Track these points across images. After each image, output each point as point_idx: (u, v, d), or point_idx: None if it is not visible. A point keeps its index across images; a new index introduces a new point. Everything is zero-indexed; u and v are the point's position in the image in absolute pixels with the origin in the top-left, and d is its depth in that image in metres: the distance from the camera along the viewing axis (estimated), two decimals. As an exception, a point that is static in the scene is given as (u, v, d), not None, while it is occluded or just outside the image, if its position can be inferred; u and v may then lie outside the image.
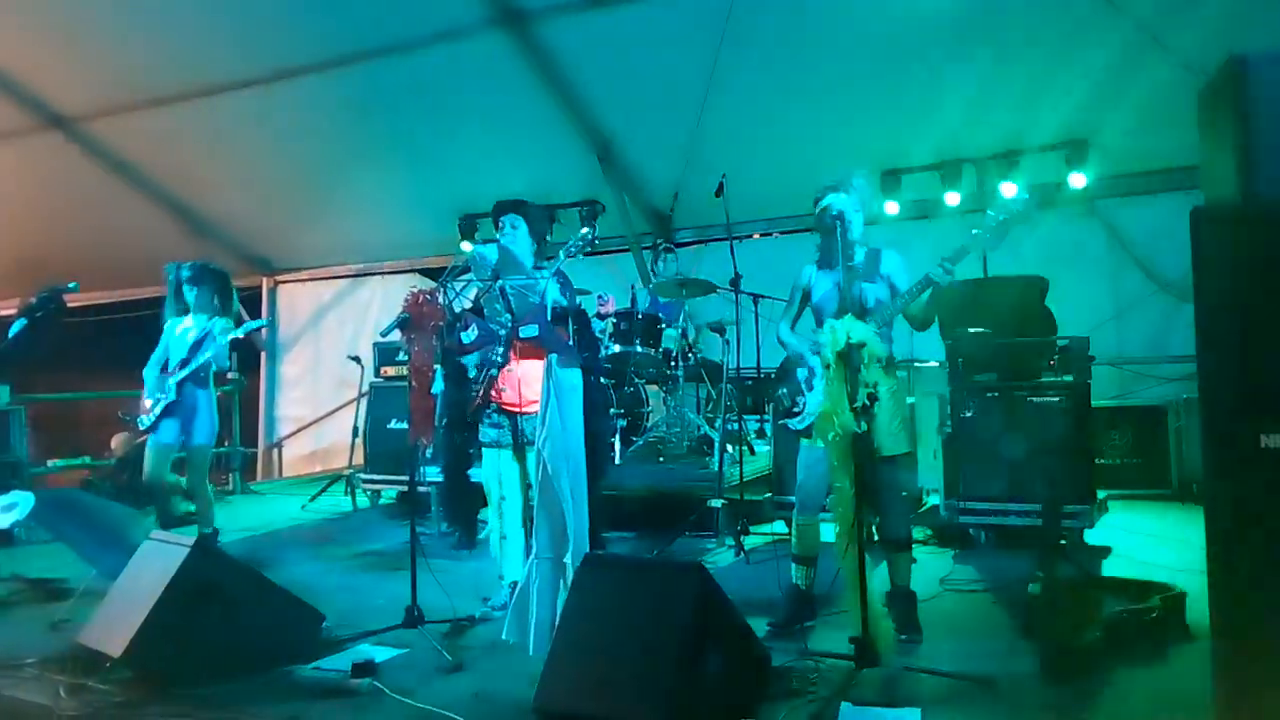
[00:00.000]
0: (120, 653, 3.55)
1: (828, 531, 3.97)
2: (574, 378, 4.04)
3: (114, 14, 6.96)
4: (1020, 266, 6.38)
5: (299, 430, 11.07)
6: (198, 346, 5.64)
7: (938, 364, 6.33)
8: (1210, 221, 2.62)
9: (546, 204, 5.70)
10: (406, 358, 4.66)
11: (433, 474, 6.40)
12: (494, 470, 4.58)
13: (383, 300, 10.49)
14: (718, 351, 7.04)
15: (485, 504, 4.71)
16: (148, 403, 5.63)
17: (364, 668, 3.58)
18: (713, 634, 3.09)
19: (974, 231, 3.74)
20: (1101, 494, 5.58)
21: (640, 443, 7.09)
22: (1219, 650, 2.55)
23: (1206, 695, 2.57)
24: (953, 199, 7.41)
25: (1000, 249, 4.01)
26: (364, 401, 8.21)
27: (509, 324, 4.41)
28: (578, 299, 4.63)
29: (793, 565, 4.24)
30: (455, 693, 3.44)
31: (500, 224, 4.64)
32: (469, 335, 4.43)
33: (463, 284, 4.82)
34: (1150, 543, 5.52)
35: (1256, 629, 2.48)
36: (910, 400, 5.63)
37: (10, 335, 5.40)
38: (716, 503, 5.94)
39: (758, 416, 7.79)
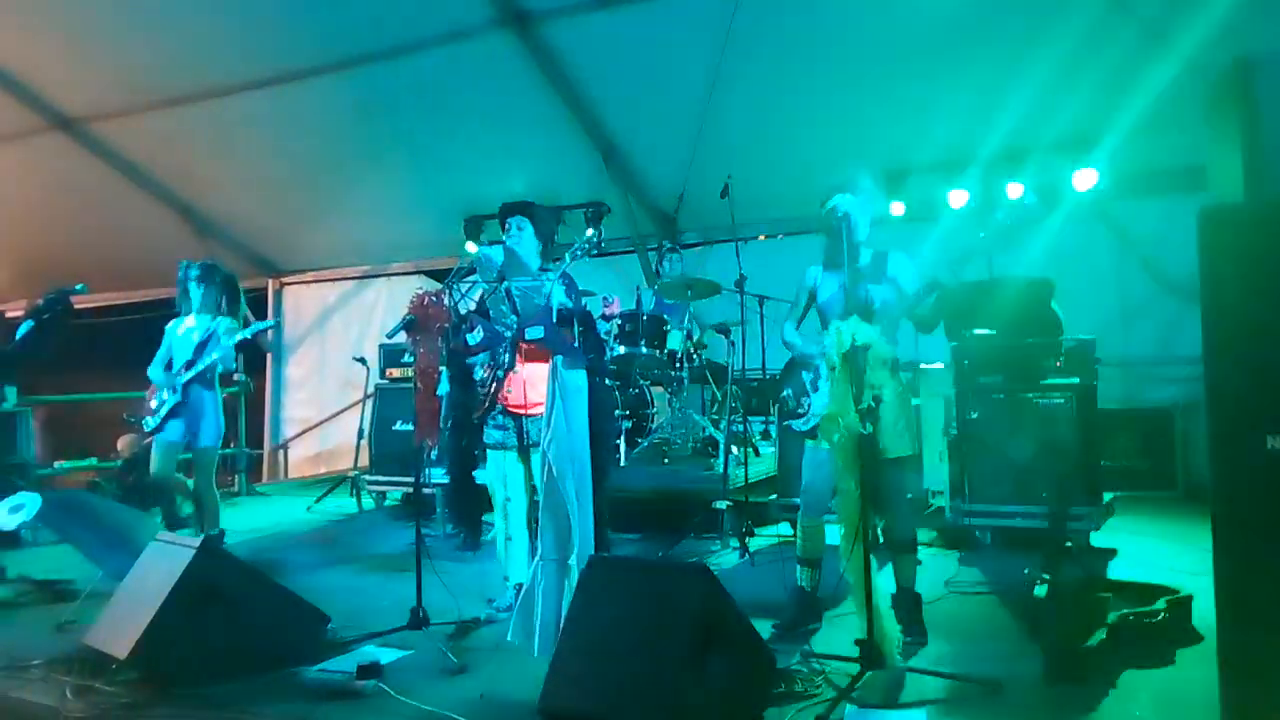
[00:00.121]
0: (126, 654, 3.56)
1: (833, 533, 3.96)
2: (579, 379, 4.04)
3: (120, 16, 6.98)
4: (1026, 267, 6.36)
5: (304, 432, 11.09)
6: (202, 347, 5.64)
7: (943, 366, 6.32)
8: (1217, 222, 2.62)
9: (551, 205, 5.71)
10: (412, 359, 4.68)
11: (438, 476, 6.40)
12: (499, 472, 4.58)
13: (388, 302, 10.50)
14: (723, 353, 7.04)
15: (490, 505, 4.72)
16: (152, 403, 5.63)
17: (369, 669, 3.58)
18: (718, 636, 3.08)
19: (981, 234, 3.73)
20: (1108, 496, 5.57)
21: (645, 444, 7.08)
22: (1225, 653, 2.54)
23: (1213, 698, 2.57)
24: (958, 199, 7.39)
25: (1006, 250, 4.01)
26: (369, 403, 8.22)
27: (514, 326, 4.41)
28: (583, 300, 4.63)
29: (798, 567, 4.24)
30: (460, 694, 3.44)
31: (506, 225, 4.64)
32: (474, 337, 4.43)
33: (468, 286, 4.83)
34: (1156, 545, 5.50)
35: (1263, 632, 2.47)
36: (916, 402, 5.61)
37: (18, 337, 5.41)
38: (721, 504, 5.94)
39: (762, 418, 7.78)
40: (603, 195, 8.40)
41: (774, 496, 6.22)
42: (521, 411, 4.48)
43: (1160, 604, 3.87)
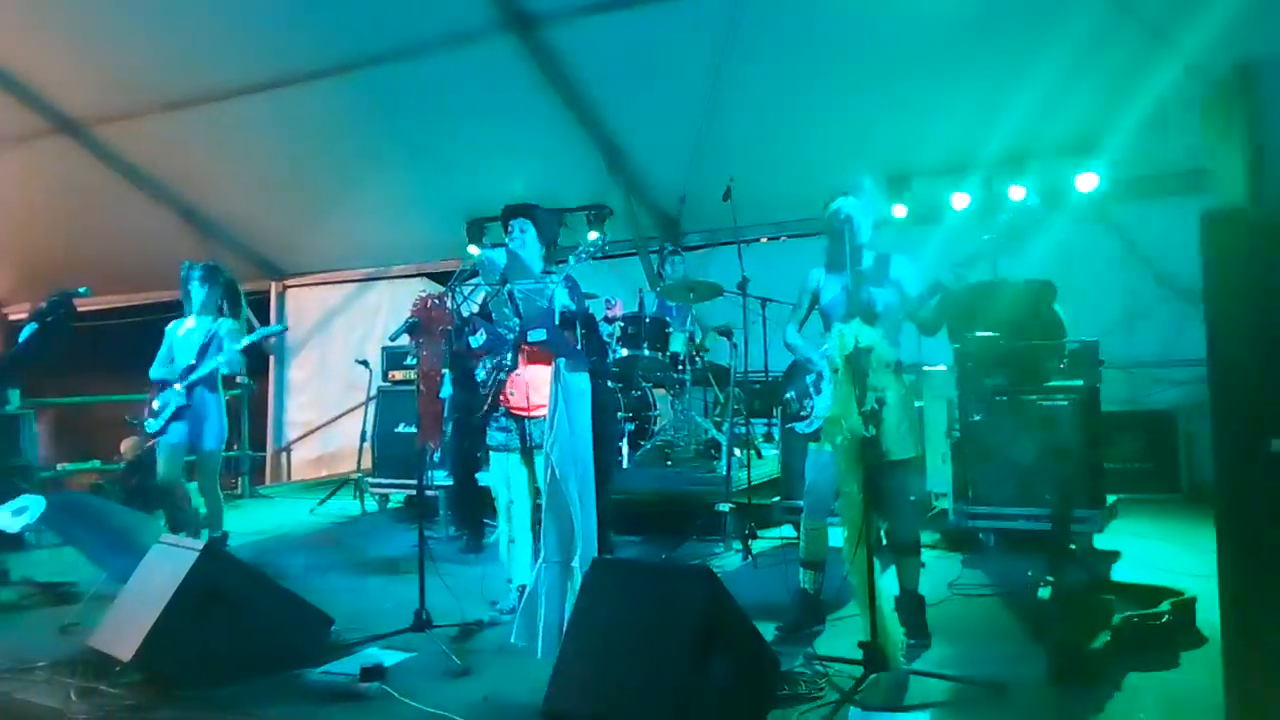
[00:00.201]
0: (130, 656, 3.57)
1: (836, 536, 3.96)
2: (582, 382, 4.05)
3: (124, 19, 6.99)
4: (1029, 270, 6.35)
5: (307, 434, 11.09)
6: (205, 349, 5.64)
7: (946, 368, 6.31)
8: (1220, 225, 2.62)
9: (554, 208, 5.73)
10: (415, 362, 4.68)
11: (441, 478, 6.41)
12: (502, 474, 4.58)
13: (391, 304, 10.50)
14: (725, 355, 7.03)
15: (491, 508, 4.73)
16: (154, 405, 5.63)
17: (372, 671, 3.59)
18: (721, 638, 3.08)
19: (985, 237, 3.73)
20: (1111, 498, 5.56)
21: (648, 446, 7.08)
22: (1230, 655, 2.54)
23: (1218, 700, 2.56)
24: (961, 202, 7.40)
25: (1009, 252, 4.00)
26: (372, 405, 8.22)
27: (517, 328, 4.42)
28: (585, 303, 4.63)
29: (801, 569, 4.24)
30: (464, 696, 3.44)
31: (509, 228, 4.64)
32: (477, 339, 4.44)
33: (471, 288, 4.84)
34: (1160, 547, 5.49)
35: (1268, 634, 2.47)
36: (919, 404, 5.61)
37: (21, 340, 5.42)
38: (724, 506, 5.93)
39: (765, 420, 7.78)
40: (605, 197, 8.41)
41: (777, 499, 6.21)
42: (524, 414, 4.48)
43: (1164, 606, 3.87)
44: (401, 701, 3.40)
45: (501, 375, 4.45)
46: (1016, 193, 6.98)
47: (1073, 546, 5.14)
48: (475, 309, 4.67)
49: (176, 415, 5.56)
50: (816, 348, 4.09)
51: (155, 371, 5.72)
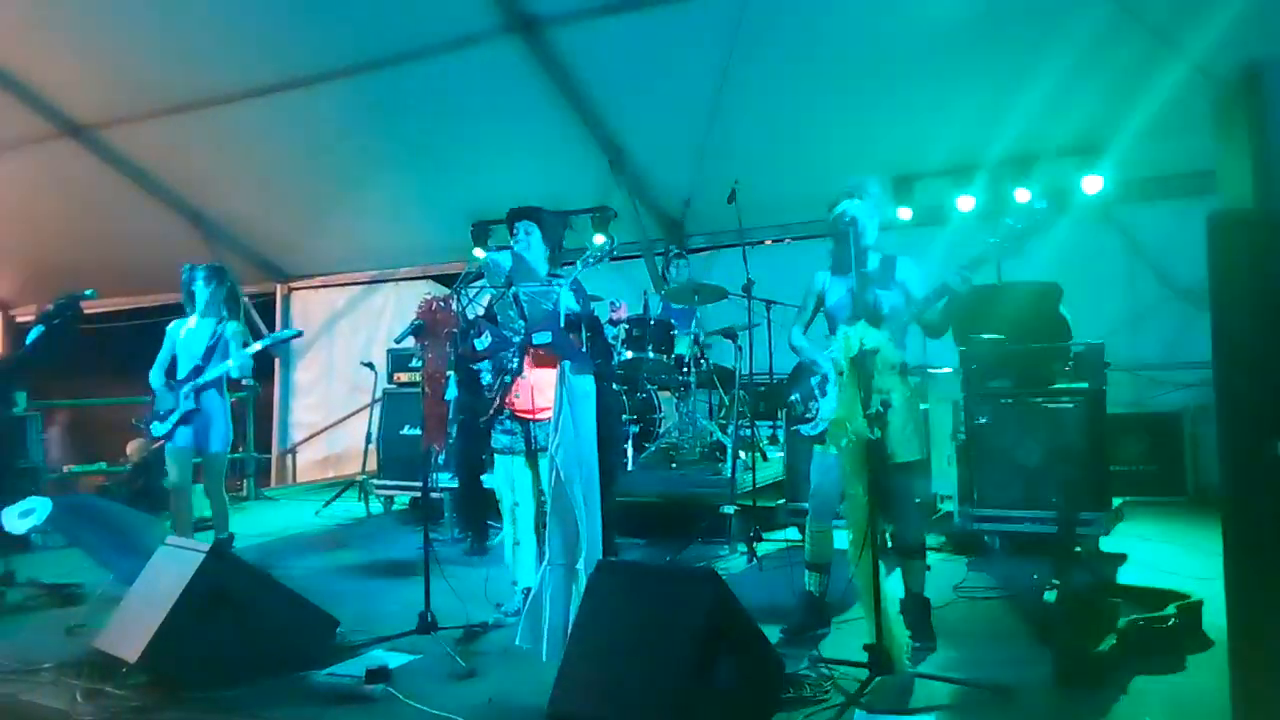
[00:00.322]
0: (136, 658, 3.57)
1: (841, 538, 3.96)
2: (587, 384, 4.05)
3: (129, 23, 7.01)
4: (1034, 272, 6.35)
5: (313, 436, 11.11)
6: (211, 351, 5.64)
7: (951, 370, 6.31)
8: (1227, 227, 2.61)
9: (559, 210, 5.73)
10: (420, 364, 4.69)
11: (445, 480, 6.42)
12: (507, 477, 4.59)
13: (396, 307, 10.52)
14: (730, 357, 7.03)
15: (495, 510, 4.73)
16: (161, 407, 5.62)
17: (378, 673, 3.59)
18: (726, 640, 3.08)
19: (991, 240, 3.72)
20: (1117, 501, 5.55)
21: (653, 449, 7.08)
22: (1236, 658, 2.53)
23: (1224, 703, 2.55)
24: (966, 204, 7.39)
25: (1014, 255, 3.99)
26: (377, 408, 8.24)
27: (522, 331, 4.42)
28: (590, 305, 4.63)
29: (806, 572, 4.24)
30: (469, 699, 3.44)
31: (514, 230, 4.65)
32: (482, 342, 4.44)
33: (476, 291, 4.84)
34: (1166, 550, 5.48)
35: (1274, 637, 2.46)
36: (924, 406, 5.60)
37: (28, 342, 5.44)
38: (729, 509, 5.93)
39: (770, 422, 7.77)
40: (610, 200, 8.42)
41: (782, 501, 6.21)
42: (529, 416, 4.48)
43: (1170, 609, 3.86)
44: (406, 704, 3.41)
45: (506, 378, 4.45)
46: (1022, 195, 6.97)
47: (1078, 549, 5.13)
48: (480, 311, 4.67)
49: (184, 419, 5.56)
50: (822, 350, 4.08)
51: (155, 373, 5.70)
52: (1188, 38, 5.60)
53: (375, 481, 7.93)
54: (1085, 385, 5.42)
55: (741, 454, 6.36)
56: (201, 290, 5.74)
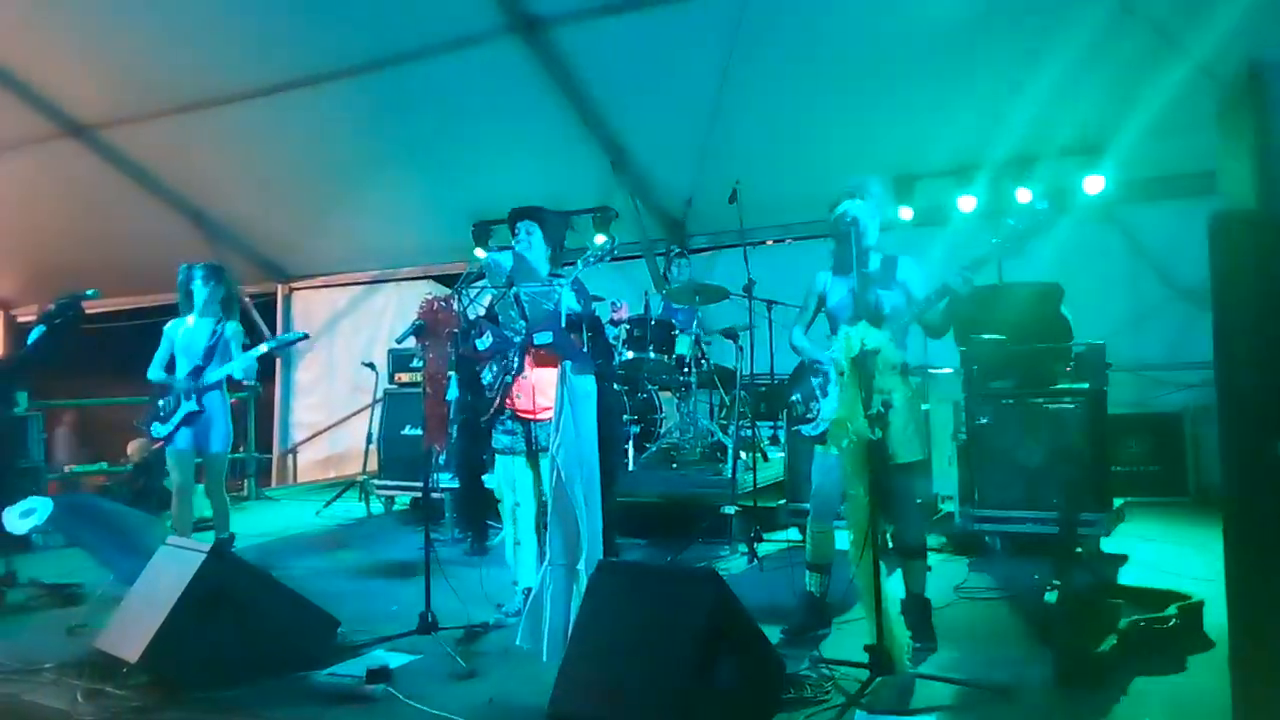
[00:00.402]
0: (137, 658, 3.57)
1: (842, 539, 3.96)
2: (588, 384, 4.05)
3: (132, 23, 7.02)
4: (1036, 272, 6.35)
5: (314, 436, 11.11)
6: (211, 351, 5.63)
7: (953, 370, 6.30)
8: (1229, 227, 2.61)
9: (560, 210, 5.73)
10: (421, 364, 4.68)
11: (446, 480, 6.42)
12: (508, 477, 4.59)
13: (397, 307, 10.52)
14: (731, 357, 7.03)
15: (495, 510, 4.73)
16: (162, 407, 5.61)
17: (378, 673, 3.59)
18: (727, 641, 3.08)
19: (993, 240, 3.71)
20: (1118, 501, 5.54)
21: (653, 449, 7.08)
22: (1237, 659, 2.53)
23: (1225, 704, 2.55)
24: (967, 204, 7.39)
25: (1016, 255, 3.99)
26: (378, 408, 8.24)
27: (523, 331, 4.42)
28: (591, 305, 4.63)
29: (807, 572, 4.23)
30: (469, 699, 3.45)
31: (516, 230, 4.64)
32: (484, 342, 4.44)
33: (477, 291, 4.84)
34: (1167, 550, 5.47)
35: (1276, 638, 2.46)
36: (925, 407, 5.61)
37: (30, 342, 5.44)
38: (730, 509, 5.93)
39: (771, 423, 7.76)
40: (611, 200, 8.42)
41: (783, 501, 6.21)
42: (530, 416, 4.48)
43: (1171, 610, 3.85)
44: (407, 704, 3.41)
45: (508, 378, 4.45)
46: (1023, 195, 6.96)
47: (1079, 550, 5.13)
48: (481, 311, 4.67)
49: (186, 420, 5.55)
50: (823, 350, 4.08)
51: (154, 373, 5.67)
52: (1190, 37, 5.59)
53: (376, 482, 7.93)
54: (1086, 386, 5.42)
55: (742, 454, 6.36)
56: (200, 289, 5.70)
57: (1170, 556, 5.29)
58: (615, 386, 6.33)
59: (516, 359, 4.43)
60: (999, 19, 5.93)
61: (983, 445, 5.58)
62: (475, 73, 7.17)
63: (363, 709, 3.44)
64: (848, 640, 3.89)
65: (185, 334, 5.68)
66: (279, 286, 11.18)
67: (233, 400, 5.91)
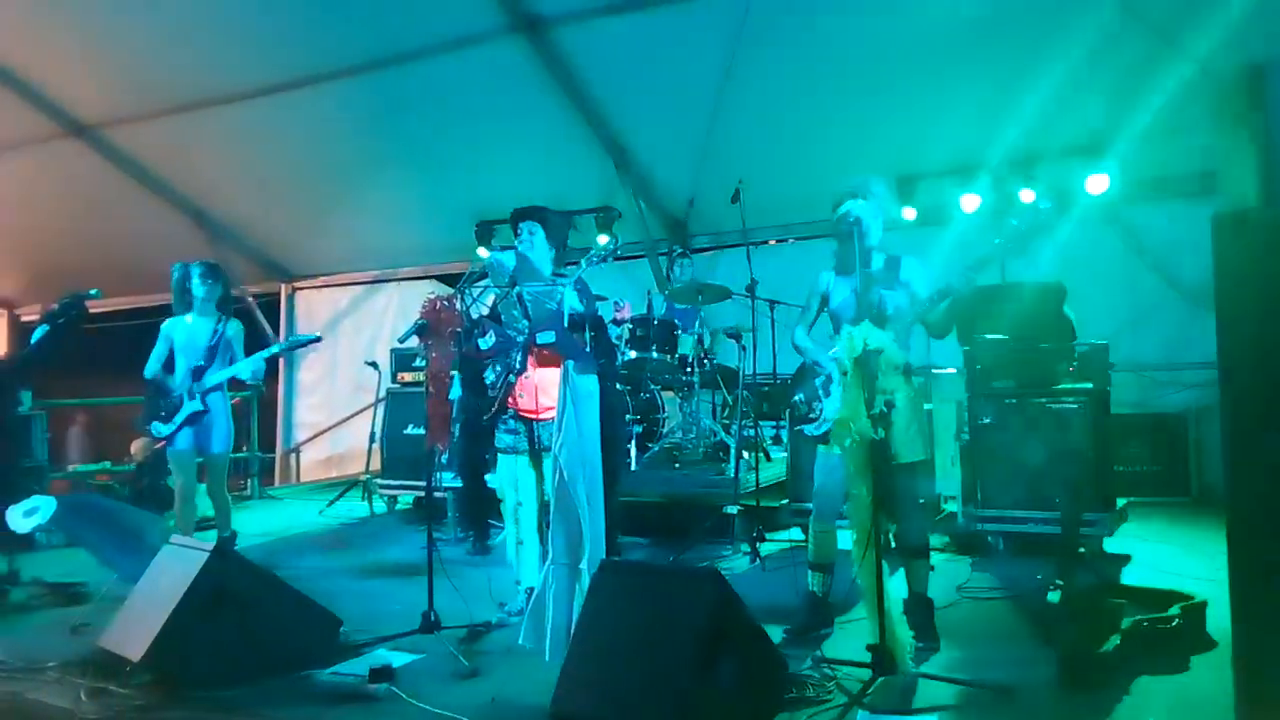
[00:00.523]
0: (140, 657, 3.58)
1: (845, 539, 3.96)
2: (590, 384, 4.05)
3: (133, 22, 7.02)
4: (1038, 272, 6.35)
5: (316, 436, 11.12)
6: (214, 351, 5.62)
7: (955, 370, 6.30)
8: (1231, 227, 2.61)
9: (563, 210, 5.74)
10: (424, 364, 4.68)
11: (449, 480, 6.42)
12: (510, 476, 4.59)
13: (400, 306, 10.53)
14: (734, 357, 7.03)
15: (497, 509, 4.73)
16: (163, 406, 5.59)
17: (381, 673, 3.59)
18: (729, 640, 3.08)
19: (996, 240, 3.71)
20: (1121, 501, 5.54)
21: (656, 449, 7.08)
22: (1240, 659, 2.53)
23: (1228, 704, 2.55)
24: (970, 204, 7.38)
25: (1018, 254, 4.00)
26: (381, 407, 8.25)
27: (526, 330, 4.42)
28: (594, 305, 4.63)
29: (809, 572, 4.23)
30: (472, 698, 3.44)
31: (518, 230, 4.65)
32: (486, 342, 4.44)
33: (480, 290, 4.85)
34: (1170, 550, 5.47)
35: (1278, 638, 2.46)
36: (928, 407, 5.61)
37: (33, 341, 5.44)
38: (732, 509, 5.93)
39: (774, 422, 7.77)
40: (613, 200, 8.42)
41: (785, 501, 6.21)
42: (533, 416, 4.49)
43: (1174, 610, 3.85)
44: (410, 703, 3.41)
45: (510, 378, 4.45)
46: (1026, 195, 6.96)
47: (1082, 550, 5.12)
48: (484, 311, 4.67)
49: (189, 420, 5.54)
50: (826, 350, 4.08)
51: (151, 371, 5.64)
52: (1191, 37, 5.59)
53: (379, 481, 7.93)
54: (1089, 385, 5.42)
55: (745, 454, 6.36)
56: (198, 288, 5.67)
57: (1173, 557, 5.29)
58: (618, 386, 6.34)
59: (519, 358, 4.44)
60: (1001, 19, 5.93)
61: (985, 445, 5.58)
62: (477, 72, 7.17)
63: (365, 708, 3.44)
64: (850, 640, 3.89)
65: (185, 333, 5.66)
66: (281, 286, 11.20)
67: (234, 400, 5.90)
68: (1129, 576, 4.99)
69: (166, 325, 5.73)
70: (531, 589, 4.23)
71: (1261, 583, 2.49)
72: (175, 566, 3.91)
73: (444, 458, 4.74)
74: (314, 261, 10.87)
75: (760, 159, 7.35)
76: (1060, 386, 5.50)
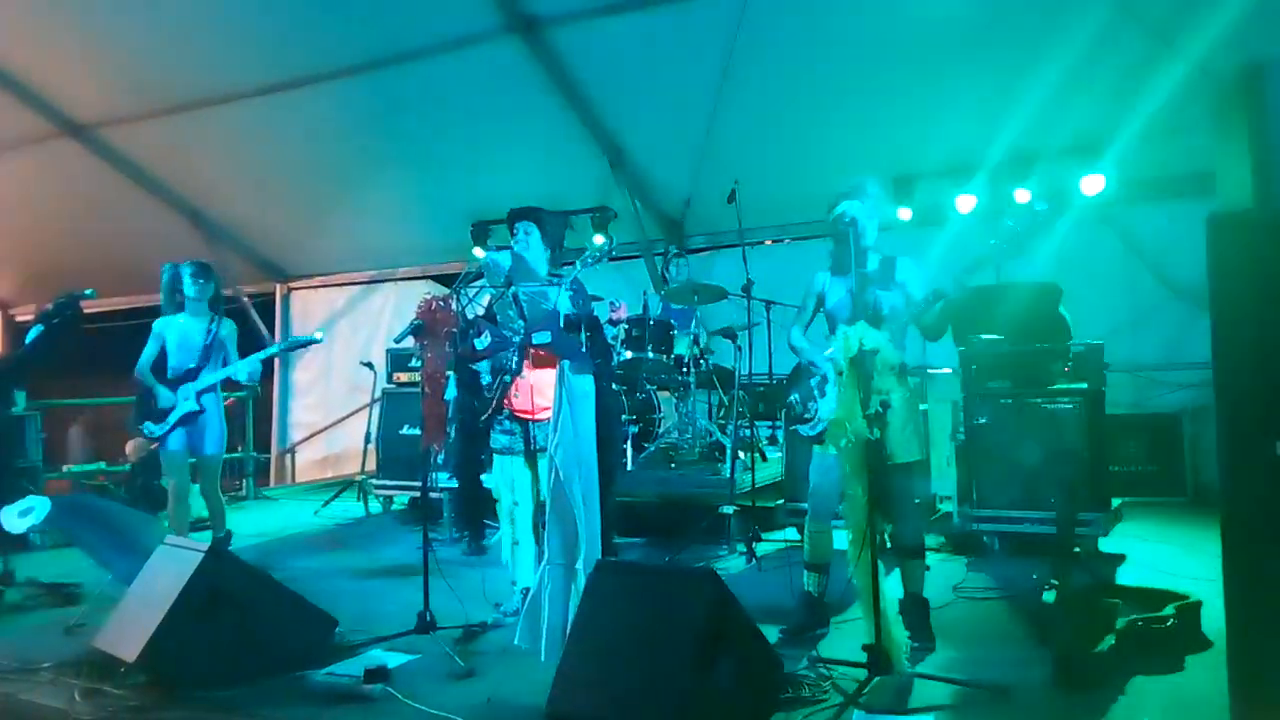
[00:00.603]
0: (135, 657, 3.57)
1: (840, 539, 3.96)
2: (586, 384, 4.05)
3: (130, 22, 7.01)
4: (1034, 272, 6.35)
5: (312, 436, 11.10)
6: (208, 351, 5.61)
7: (951, 370, 6.30)
8: (1226, 227, 2.62)
9: (559, 210, 5.73)
10: (420, 364, 4.68)
11: (445, 480, 6.41)
12: (506, 476, 4.59)
13: (396, 306, 10.52)
14: (729, 358, 7.03)
15: (493, 509, 4.73)
16: (158, 405, 5.58)
17: (376, 673, 3.59)
18: (725, 640, 3.08)
19: (992, 240, 3.72)
20: (1116, 501, 5.55)
21: (652, 449, 7.08)
22: (1235, 659, 2.53)
23: (1223, 704, 2.56)
24: (966, 204, 7.39)
25: (1014, 255, 4.00)
26: (377, 407, 8.24)
27: (522, 331, 4.42)
28: (590, 305, 4.63)
29: (805, 572, 4.24)
30: (467, 698, 3.44)
31: (514, 230, 4.65)
32: (482, 342, 4.44)
33: (476, 290, 4.84)
34: (1165, 550, 5.48)
35: (1273, 637, 2.46)
36: (923, 407, 5.61)
37: (28, 342, 5.43)
38: (728, 509, 5.93)
39: (769, 423, 7.77)
40: (609, 200, 8.42)
41: (781, 501, 6.21)
42: (529, 416, 4.49)
43: (1169, 610, 3.85)
44: (405, 703, 3.40)
45: (506, 378, 4.45)
46: (1022, 195, 6.97)
47: (1077, 550, 5.14)
48: (480, 311, 4.67)
49: (183, 420, 5.53)
50: (821, 350, 4.08)
51: (142, 370, 5.62)
52: (1187, 37, 5.59)
53: (374, 481, 7.93)
54: (1085, 386, 5.42)
55: (741, 454, 6.36)
56: (190, 287, 5.66)
57: (1168, 556, 5.30)
58: (614, 386, 6.32)
59: (515, 359, 4.43)
60: (997, 19, 5.94)
61: (981, 445, 5.59)
62: (473, 73, 7.16)
63: (361, 708, 3.44)
64: (846, 640, 3.89)
65: (178, 333, 5.65)
66: (277, 286, 11.17)
67: (229, 400, 5.89)
68: (1124, 576, 5.00)
69: (158, 324, 5.72)
70: (527, 589, 4.23)
71: (1256, 583, 2.50)
72: (170, 567, 3.90)
73: (439, 458, 4.73)
74: (310, 261, 10.86)
75: (756, 159, 7.36)
76: (1056, 386, 5.51)
